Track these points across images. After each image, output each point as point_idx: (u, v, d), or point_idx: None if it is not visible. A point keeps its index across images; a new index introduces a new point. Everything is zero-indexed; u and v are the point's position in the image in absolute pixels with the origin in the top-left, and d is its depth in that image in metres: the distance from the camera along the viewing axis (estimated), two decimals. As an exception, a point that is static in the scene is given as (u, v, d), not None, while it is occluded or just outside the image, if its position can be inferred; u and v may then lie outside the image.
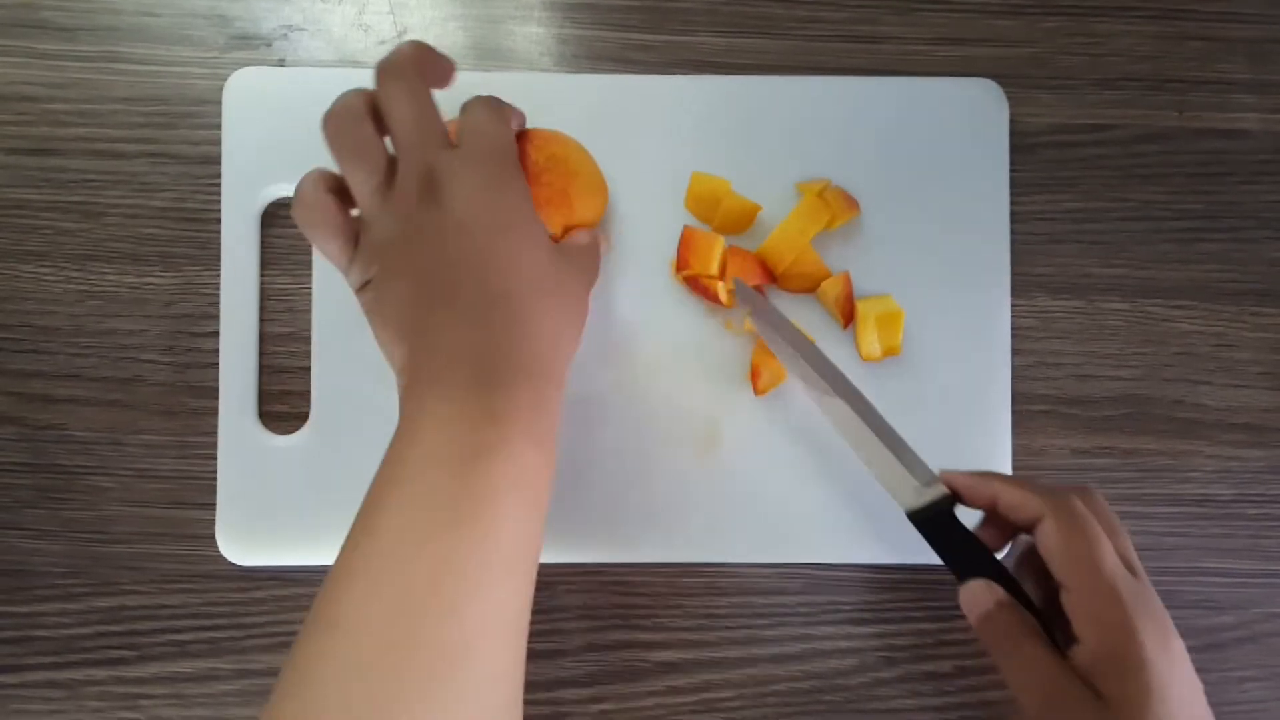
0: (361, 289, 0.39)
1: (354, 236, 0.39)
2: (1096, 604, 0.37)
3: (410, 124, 0.39)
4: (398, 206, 0.38)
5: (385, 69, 0.40)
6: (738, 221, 0.49)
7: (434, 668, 0.32)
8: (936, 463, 0.49)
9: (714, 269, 0.47)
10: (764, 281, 0.48)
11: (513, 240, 0.38)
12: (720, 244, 0.48)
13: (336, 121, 0.39)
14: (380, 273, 0.38)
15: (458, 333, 0.37)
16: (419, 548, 0.33)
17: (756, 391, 0.48)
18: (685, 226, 0.48)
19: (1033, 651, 0.38)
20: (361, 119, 0.39)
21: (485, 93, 0.46)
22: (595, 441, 0.48)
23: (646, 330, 0.49)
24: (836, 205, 0.48)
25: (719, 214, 0.48)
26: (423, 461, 0.34)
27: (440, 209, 0.38)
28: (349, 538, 0.35)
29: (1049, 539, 0.39)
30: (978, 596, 0.40)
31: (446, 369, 0.36)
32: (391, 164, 0.39)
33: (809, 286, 0.49)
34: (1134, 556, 0.39)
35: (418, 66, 0.40)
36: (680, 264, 0.48)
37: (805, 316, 0.49)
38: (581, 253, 0.44)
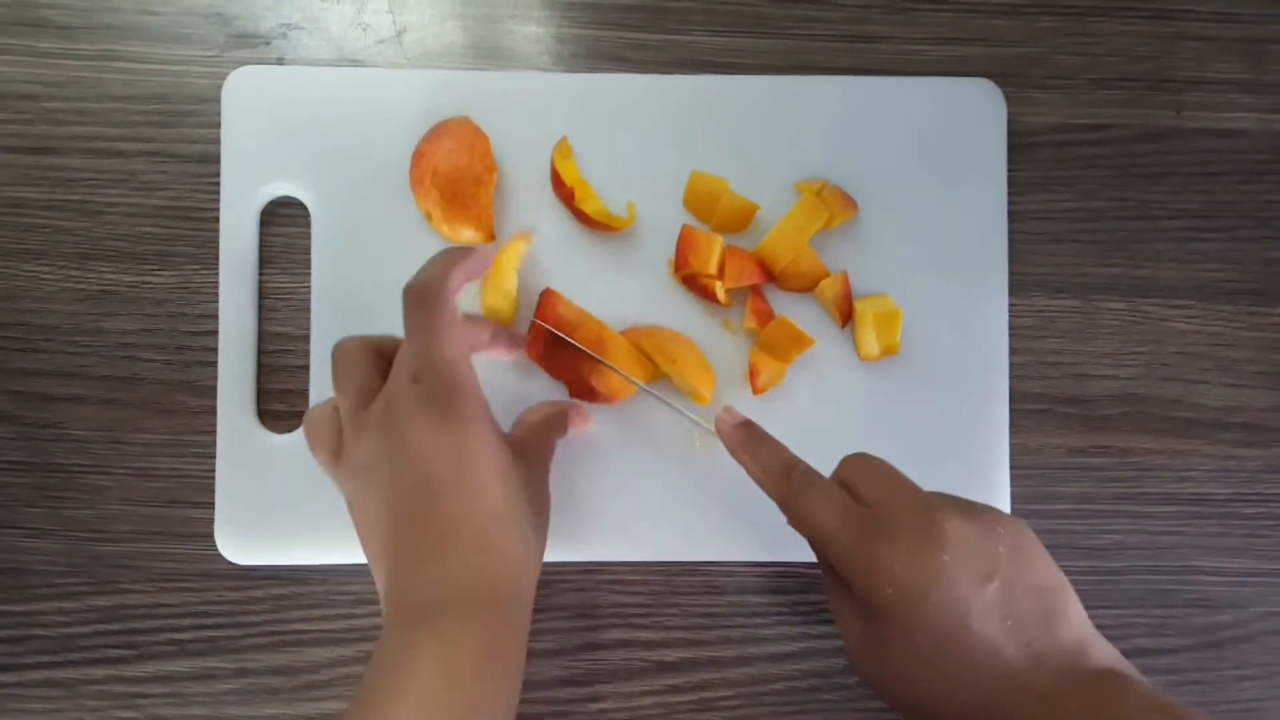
0: (349, 506, 0.42)
1: (339, 453, 0.41)
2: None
3: (399, 356, 0.41)
4: (365, 434, 0.40)
5: (406, 293, 0.41)
6: (736, 221, 0.49)
7: None
8: (935, 463, 0.49)
9: (713, 268, 0.47)
10: (762, 280, 0.49)
11: (464, 473, 0.39)
12: (719, 243, 0.48)
13: (337, 349, 0.42)
14: (355, 495, 0.41)
15: (416, 567, 0.38)
16: None
17: (755, 391, 0.48)
18: (684, 226, 0.48)
19: (774, 445, 0.42)
20: (359, 350, 0.42)
21: (487, 94, 0.46)
22: (594, 441, 0.48)
23: (644, 326, 0.49)
24: (834, 205, 0.48)
25: (717, 213, 0.49)
26: (408, 689, 0.36)
27: (396, 442, 0.39)
28: None
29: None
30: (728, 418, 0.43)
31: (412, 604, 0.38)
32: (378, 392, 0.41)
33: (807, 285, 0.49)
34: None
35: (437, 290, 0.41)
36: (679, 263, 0.48)
37: (803, 316, 0.49)
38: (542, 458, 0.44)
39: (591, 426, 0.48)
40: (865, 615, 0.37)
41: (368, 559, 0.41)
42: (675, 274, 0.49)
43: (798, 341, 0.48)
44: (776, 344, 0.48)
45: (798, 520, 0.39)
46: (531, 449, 0.43)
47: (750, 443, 0.42)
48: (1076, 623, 0.35)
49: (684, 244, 0.48)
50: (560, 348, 0.47)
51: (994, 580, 0.35)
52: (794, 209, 0.48)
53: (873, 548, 0.36)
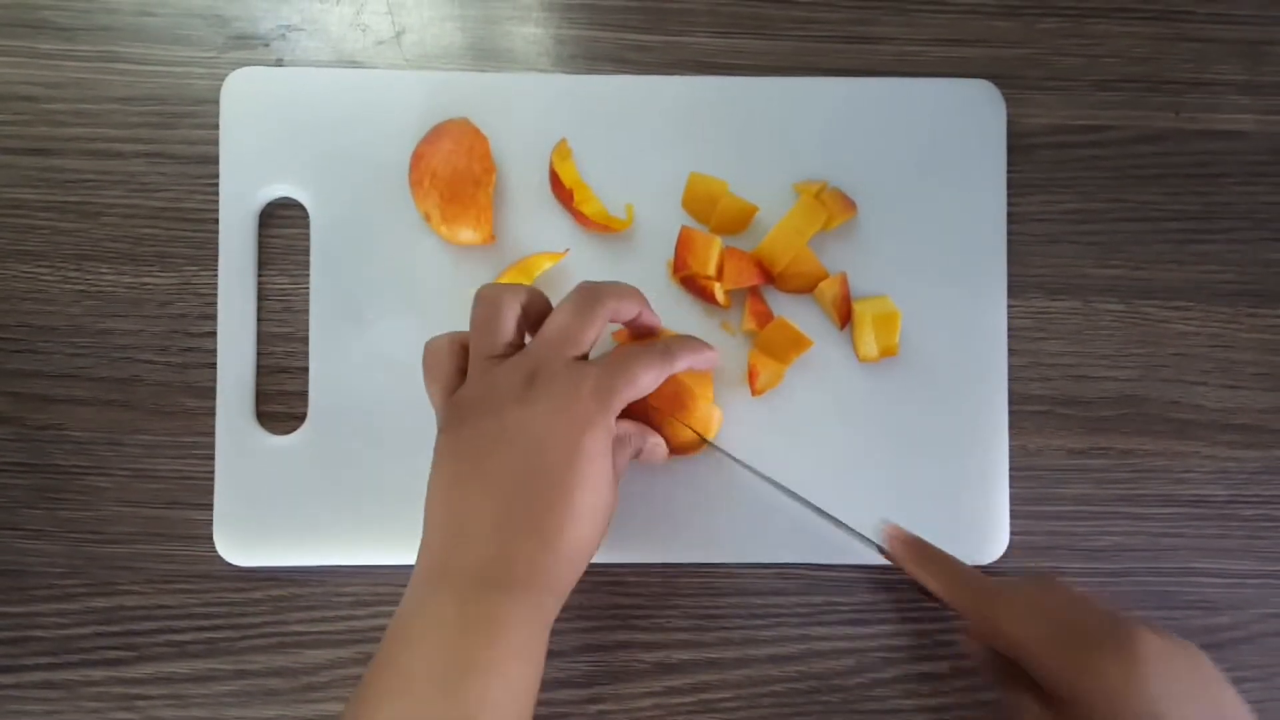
0: (440, 432, 0.41)
1: (454, 388, 0.41)
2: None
3: (556, 328, 0.41)
4: (493, 381, 0.40)
5: (588, 285, 0.42)
6: (735, 222, 0.49)
7: None
8: (934, 465, 0.49)
9: (711, 270, 0.47)
10: (761, 282, 0.49)
11: (576, 463, 0.38)
12: (718, 245, 0.48)
13: (485, 295, 0.42)
14: (451, 431, 0.40)
15: (482, 531, 0.38)
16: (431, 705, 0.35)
17: (754, 392, 0.48)
18: (683, 227, 0.48)
19: (947, 558, 0.45)
20: (508, 303, 0.41)
21: (486, 95, 0.46)
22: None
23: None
24: (833, 206, 0.48)
25: (716, 214, 0.49)
26: (415, 675, 0.36)
27: (521, 410, 0.39)
28: (361, 690, 0.37)
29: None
30: (895, 533, 0.47)
31: (458, 569, 0.38)
32: (512, 350, 0.41)
33: (806, 287, 0.49)
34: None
35: (618, 299, 0.42)
36: (678, 265, 0.48)
37: (802, 317, 0.49)
38: (621, 466, 0.43)
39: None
40: (1057, 712, 0.40)
41: (427, 501, 0.40)
42: (674, 275, 0.49)
43: (796, 343, 0.48)
44: (775, 345, 0.48)
45: (993, 633, 0.42)
46: (624, 469, 0.43)
47: (924, 561, 0.45)
48: None
49: (683, 245, 0.48)
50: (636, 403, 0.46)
51: (1193, 702, 0.37)
52: (793, 210, 0.48)
53: (1084, 657, 0.38)
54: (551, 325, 0.41)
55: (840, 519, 0.47)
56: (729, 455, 0.47)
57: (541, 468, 0.38)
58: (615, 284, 0.42)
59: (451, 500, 0.39)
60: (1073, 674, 0.39)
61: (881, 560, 0.47)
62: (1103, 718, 0.38)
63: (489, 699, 0.36)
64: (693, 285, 0.48)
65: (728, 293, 0.48)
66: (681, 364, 0.43)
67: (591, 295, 0.41)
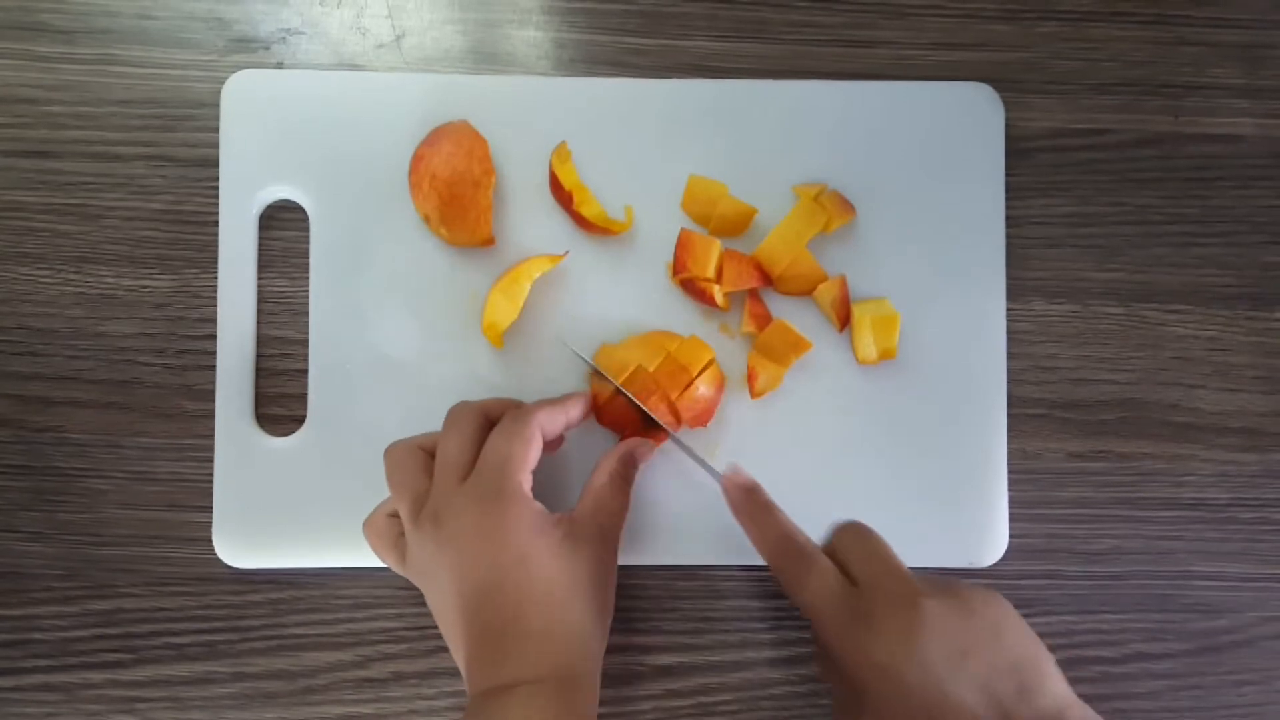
0: (425, 597, 0.43)
1: (404, 554, 0.43)
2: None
3: (440, 462, 0.42)
4: (416, 539, 0.41)
5: (453, 410, 0.44)
6: (734, 225, 0.49)
7: None
8: (933, 468, 0.49)
9: (710, 272, 0.48)
10: (760, 284, 0.49)
11: (513, 570, 0.40)
12: (717, 248, 0.48)
13: (393, 455, 0.43)
14: (425, 590, 0.43)
15: (465, 659, 0.40)
16: None
17: (753, 394, 0.48)
18: (682, 230, 0.48)
19: (778, 516, 0.43)
20: (410, 453, 0.43)
21: (485, 98, 0.46)
22: (592, 444, 0.48)
23: (643, 332, 0.49)
24: (832, 209, 0.48)
25: (715, 217, 0.49)
26: None
27: (444, 544, 0.40)
28: None
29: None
30: (734, 484, 0.44)
31: (487, 688, 0.39)
32: (463, 472, 0.42)
33: (805, 289, 0.49)
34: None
35: (483, 413, 0.43)
36: (678, 267, 0.48)
37: (801, 319, 0.49)
38: (603, 522, 0.43)
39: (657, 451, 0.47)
40: (849, 689, 0.40)
41: (449, 643, 0.42)
42: (674, 277, 0.49)
43: (795, 345, 0.48)
44: (774, 348, 0.48)
45: (791, 594, 0.42)
46: (594, 518, 0.43)
47: (752, 508, 0.43)
48: (1055, 692, 0.37)
49: (682, 248, 0.48)
50: (612, 401, 0.47)
51: (969, 659, 0.37)
52: (792, 213, 0.48)
53: (856, 633, 0.38)
54: (438, 461, 0.42)
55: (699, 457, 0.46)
56: (681, 444, 0.47)
57: (478, 593, 0.40)
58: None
59: (454, 643, 0.41)
60: (849, 651, 0.39)
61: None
62: (879, 695, 0.37)
63: None
64: (692, 288, 0.48)
65: (727, 295, 0.48)
66: (540, 420, 0.43)
67: (459, 416, 0.43)
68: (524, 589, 0.40)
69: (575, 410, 0.45)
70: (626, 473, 0.44)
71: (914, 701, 0.36)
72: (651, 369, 0.46)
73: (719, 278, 0.48)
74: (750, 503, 0.43)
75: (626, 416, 0.47)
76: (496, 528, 0.40)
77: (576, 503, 0.43)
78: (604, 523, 0.43)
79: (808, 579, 0.40)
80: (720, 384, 0.48)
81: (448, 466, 0.42)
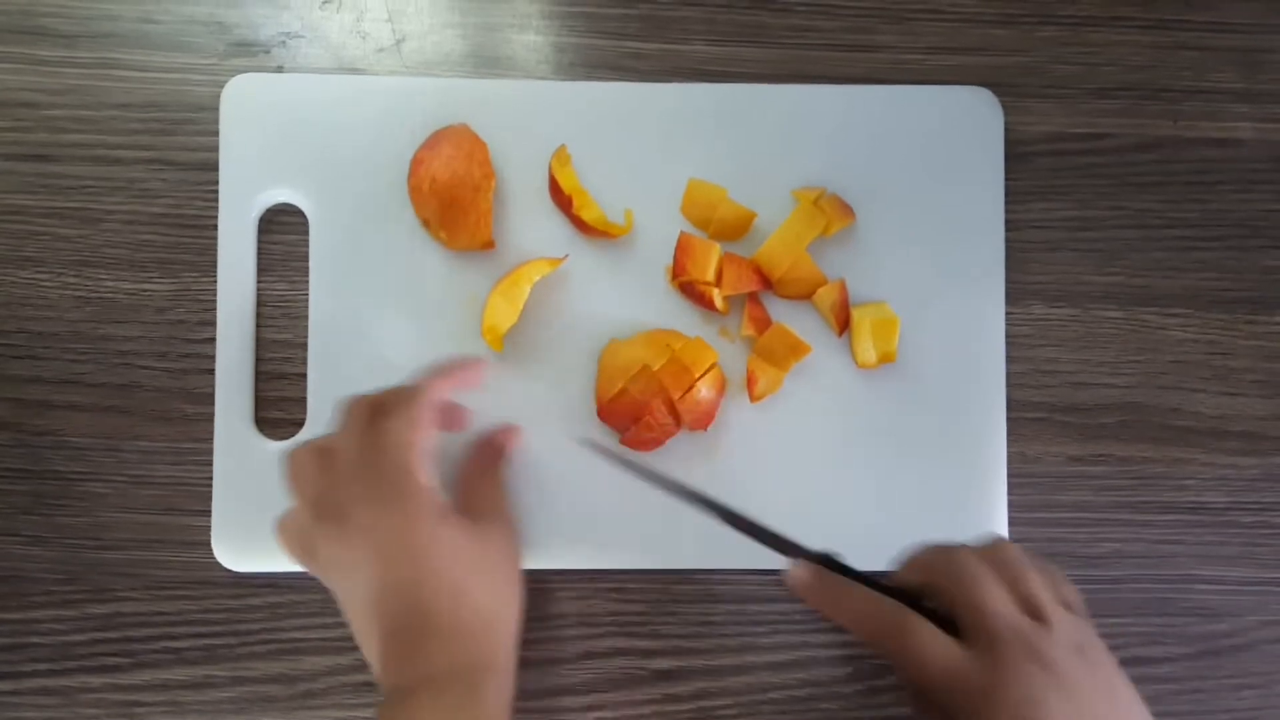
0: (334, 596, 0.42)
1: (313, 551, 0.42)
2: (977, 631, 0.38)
3: (335, 458, 0.41)
4: (327, 535, 0.41)
5: (341, 403, 0.43)
6: (734, 228, 0.49)
7: None
8: (933, 471, 0.49)
9: (710, 275, 0.48)
10: (760, 288, 0.49)
11: (417, 563, 0.40)
12: (716, 251, 0.48)
13: (292, 458, 0.43)
14: (333, 588, 0.42)
15: (373, 655, 0.40)
16: None
17: (752, 398, 0.48)
18: (681, 233, 0.48)
19: (854, 591, 0.40)
20: (311, 454, 0.42)
21: (485, 102, 0.46)
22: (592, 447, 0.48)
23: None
24: (832, 212, 0.48)
25: (715, 221, 0.49)
26: None
27: (347, 540, 0.40)
28: None
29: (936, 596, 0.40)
30: (797, 572, 0.42)
31: (399, 683, 0.39)
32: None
33: (804, 293, 0.49)
34: (1042, 601, 0.39)
35: (373, 404, 0.42)
36: (677, 270, 0.48)
37: (801, 323, 0.49)
38: (489, 506, 0.44)
39: (522, 439, 0.48)
40: None
41: (358, 641, 0.41)
42: (673, 281, 0.49)
43: (795, 349, 0.48)
44: (774, 351, 0.48)
45: (902, 666, 0.39)
46: (479, 504, 0.43)
47: (828, 593, 0.41)
48: None
49: (681, 251, 0.48)
50: (619, 399, 0.47)
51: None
52: (792, 216, 0.48)
53: (988, 692, 0.36)
54: (337, 453, 0.42)
55: (775, 533, 0.44)
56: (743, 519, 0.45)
57: (377, 590, 0.40)
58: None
59: (364, 639, 0.41)
60: (975, 705, 0.37)
61: (881, 566, 0.47)
62: None
63: None
64: (691, 291, 0.48)
65: (726, 298, 0.48)
66: (431, 397, 0.42)
67: (352, 407, 0.42)
68: (429, 583, 0.40)
69: (469, 375, 0.44)
70: (493, 461, 0.45)
71: None
72: (656, 368, 0.46)
73: (719, 281, 0.48)
74: (822, 587, 0.41)
75: (629, 416, 0.47)
76: (396, 523, 0.40)
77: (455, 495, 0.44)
78: (490, 507, 0.43)
79: (924, 648, 0.38)
80: (721, 387, 0.48)
81: (342, 461, 0.41)
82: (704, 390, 0.47)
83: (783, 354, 0.48)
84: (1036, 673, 0.36)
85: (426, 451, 0.41)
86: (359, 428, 0.42)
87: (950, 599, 0.39)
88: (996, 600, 0.38)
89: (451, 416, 0.47)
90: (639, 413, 0.46)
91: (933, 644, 0.38)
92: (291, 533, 0.43)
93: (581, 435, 0.48)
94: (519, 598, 0.43)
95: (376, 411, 0.42)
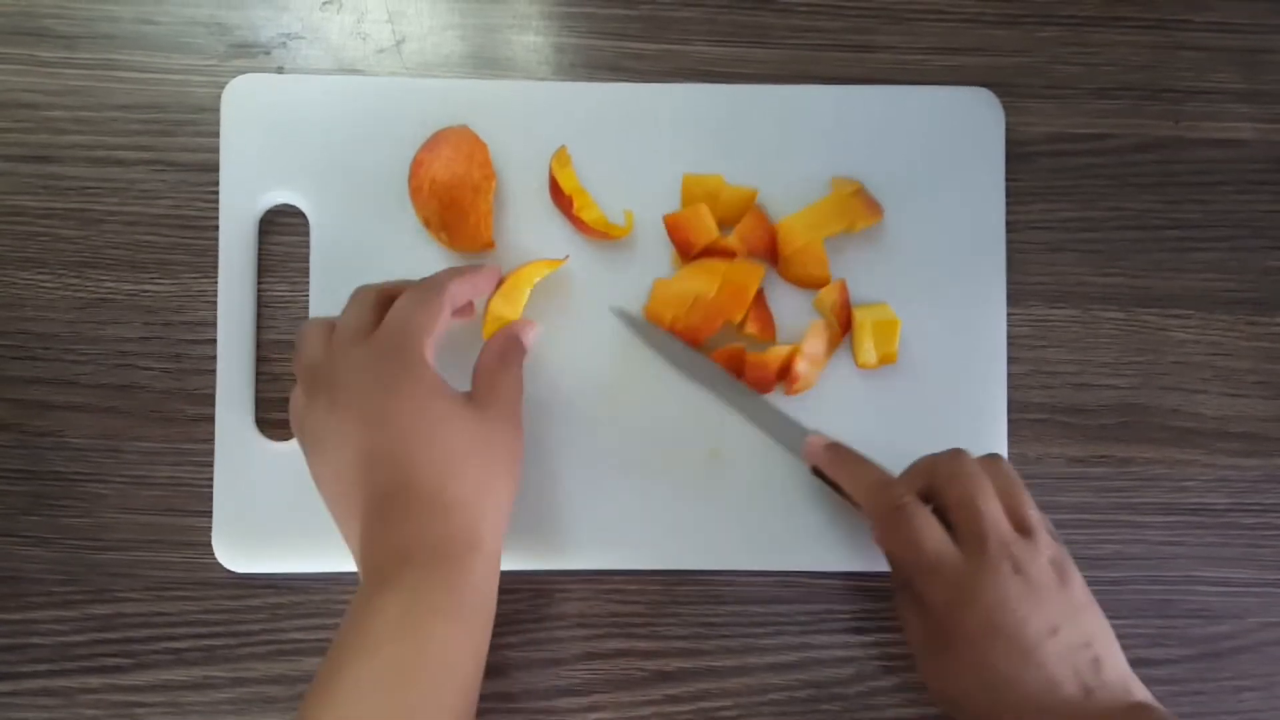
0: (313, 475, 0.42)
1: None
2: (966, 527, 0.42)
3: (338, 329, 0.42)
4: (318, 401, 0.41)
5: (355, 290, 0.44)
6: (738, 210, 0.49)
7: None
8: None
9: (715, 231, 0.47)
10: (766, 254, 0.48)
11: (409, 430, 0.40)
12: (706, 211, 0.48)
13: (301, 331, 0.43)
14: (314, 463, 0.42)
15: (360, 529, 0.40)
16: (376, 708, 0.36)
17: (788, 392, 0.48)
18: (665, 217, 0.48)
19: (868, 466, 0.45)
20: (317, 327, 0.43)
21: (485, 103, 0.46)
22: (593, 448, 0.48)
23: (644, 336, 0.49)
24: (861, 210, 0.48)
25: (720, 207, 0.48)
26: (370, 643, 0.37)
27: (339, 405, 0.40)
28: (308, 700, 0.37)
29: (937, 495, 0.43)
30: (816, 441, 0.46)
31: (380, 562, 0.39)
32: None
33: (807, 279, 0.49)
34: (1030, 517, 0.42)
35: (385, 291, 0.43)
36: (684, 251, 0.48)
37: (802, 323, 0.49)
38: (500, 395, 0.44)
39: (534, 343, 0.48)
40: (939, 633, 0.42)
41: (339, 527, 0.41)
42: (686, 262, 0.48)
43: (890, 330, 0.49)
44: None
45: (895, 544, 0.43)
46: (490, 392, 0.43)
47: (842, 463, 0.45)
48: (1119, 663, 0.41)
49: (674, 230, 0.48)
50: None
51: (1058, 633, 0.40)
52: (824, 201, 0.48)
53: (958, 594, 0.40)
54: (338, 329, 0.42)
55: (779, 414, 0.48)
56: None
57: (374, 460, 0.39)
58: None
59: (342, 516, 0.41)
60: (947, 603, 0.41)
61: (881, 568, 0.47)
62: (967, 643, 0.40)
63: (413, 655, 0.37)
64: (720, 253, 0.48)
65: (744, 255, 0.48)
66: (452, 291, 0.43)
67: (363, 291, 0.43)
68: (419, 454, 0.39)
69: (486, 282, 0.45)
70: (512, 353, 0.45)
71: (1005, 656, 0.39)
72: (712, 295, 0.47)
73: (735, 232, 0.48)
74: (839, 457, 0.45)
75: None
76: (394, 387, 0.40)
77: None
78: (501, 397, 0.43)
79: (918, 531, 0.41)
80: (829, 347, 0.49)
81: (346, 331, 0.42)
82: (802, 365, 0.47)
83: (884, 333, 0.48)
84: (1014, 579, 0.40)
85: (435, 336, 0.42)
86: (370, 308, 0.42)
87: (948, 500, 0.42)
88: (991, 507, 0.41)
89: (463, 311, 0.47)
90: (695, 338, 0.47)
91: (929, 529, 0.41)
92: (292, 409, 0.43)
93: (616, 306, 0.48)
94: (513, 488, 0.43)
95: (388, 299, 0.43)
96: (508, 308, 0.47)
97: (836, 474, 0.45)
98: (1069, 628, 0.40)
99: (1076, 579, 0.41)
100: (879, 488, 0.44)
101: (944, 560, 0.41)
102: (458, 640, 0.38)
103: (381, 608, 0.37)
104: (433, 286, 0.43)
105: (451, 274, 0.44)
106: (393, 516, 0.39)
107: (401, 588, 0.37)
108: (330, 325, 0.43)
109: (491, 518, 0.41)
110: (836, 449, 0.46)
